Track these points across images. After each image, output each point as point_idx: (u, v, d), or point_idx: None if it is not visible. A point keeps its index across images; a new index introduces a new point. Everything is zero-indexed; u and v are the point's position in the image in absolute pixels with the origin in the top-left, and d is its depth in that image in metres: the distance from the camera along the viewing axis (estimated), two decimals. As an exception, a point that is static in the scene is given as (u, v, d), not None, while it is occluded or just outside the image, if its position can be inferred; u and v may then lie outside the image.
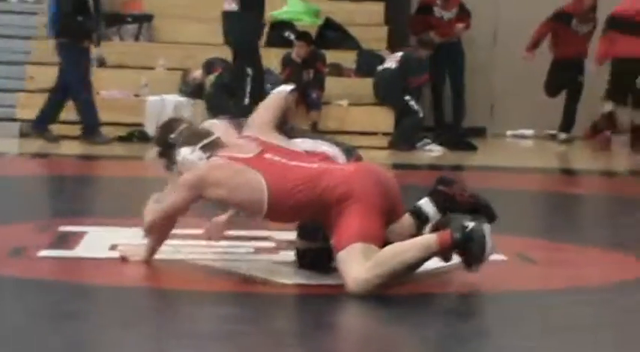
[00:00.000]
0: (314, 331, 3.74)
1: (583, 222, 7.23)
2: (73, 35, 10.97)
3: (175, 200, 4.42)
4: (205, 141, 4.51)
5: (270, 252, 4.99)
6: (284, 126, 4.79)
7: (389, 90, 11.88)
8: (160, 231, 4.58)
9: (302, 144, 4.68)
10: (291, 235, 4.89)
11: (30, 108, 11.98)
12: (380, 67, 12.20)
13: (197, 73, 12.36)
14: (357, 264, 4.06)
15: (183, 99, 12.21)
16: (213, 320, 3.84)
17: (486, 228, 4.07)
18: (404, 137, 11.70)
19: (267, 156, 4.38)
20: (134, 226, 5.61)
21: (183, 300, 4.15)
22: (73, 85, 11.11)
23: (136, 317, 3.80)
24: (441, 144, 11.78)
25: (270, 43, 13.22)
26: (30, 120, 11.84)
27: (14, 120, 11.93)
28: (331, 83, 12.47)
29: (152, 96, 12.19)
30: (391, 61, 12.13)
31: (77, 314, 3.81)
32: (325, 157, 4.57)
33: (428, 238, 4.10)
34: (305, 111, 12.29)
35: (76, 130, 11.39)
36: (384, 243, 4.18)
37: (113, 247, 4.96)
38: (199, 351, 3.40)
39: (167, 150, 4.64)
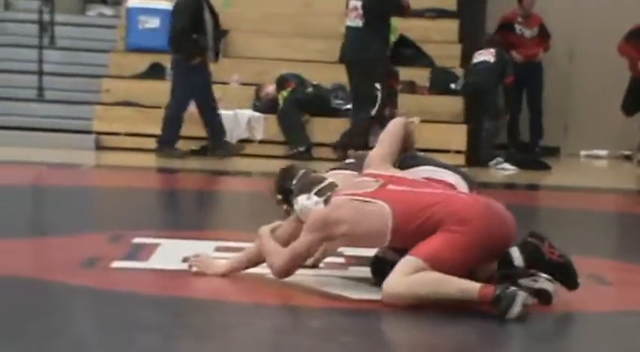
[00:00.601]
0: (383, 348, 3.73)
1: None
2: (185, 52, 11.04)
3: (301, 245, 4.42)
4: (319, 186, 4.57)
5: (340, 268, 4.98)
6: (405, 153, 4.79)
7: (486, 84, 11.66)
8: (257, 262, 4.60)
9: (421, 172, 4.70)
10: (361, 251, 4.89)
11: (106, 120, 12.14)
12: (475, 61, 12.00)
13: (270, 89, 12.42)
14: (403, 275, 4.11)
15: (256, 114, 12.27)
16: (284, 333, 3.85)
17: (521, 297, 4.02)
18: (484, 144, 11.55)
19: (391, 187, 4.42)
20: (206, 239, 5.66)
21: (256, 314, 4.16)
22: (176, 98, 11.18)
23: (208, 329, 3.82)
24: (514, 163, 11.69)
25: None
26: (105, 133, 12.01)
27: (90, 132, 12.09)
28: (404, 100, 12.45)
29: (226, 110, 12.26)
30: (487, 55, 11.95)
31: (150, 325, 3.84)
32: (448, 185, 4.57)
33: (473, 286, 4.09)
34: (378, 128, 12.29)
35: (150, 143, 11.51)
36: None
37: (185, 259, 5.00)
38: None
39: (288, 197, 4.70)
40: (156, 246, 5.33)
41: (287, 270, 4.47)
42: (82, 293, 4.35)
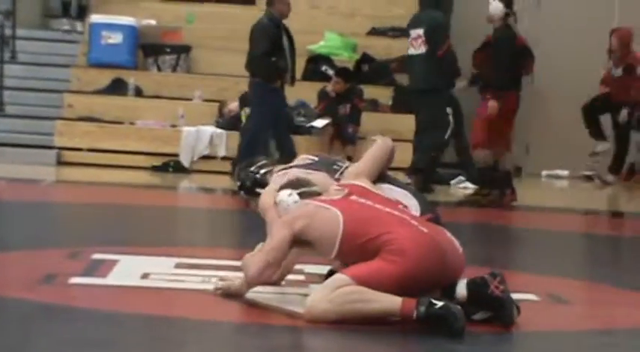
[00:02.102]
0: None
1: (617, 263, 7.16)
2: (265, 75, 10.97)
3: (273, 242, 4.40)
4: (305, 190, 4.64)
5: (301, 285, 4.97)
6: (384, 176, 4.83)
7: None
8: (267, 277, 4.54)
9: (392, 191, 4.73)
10: (323, 269, 4.88)
11: (67, 136, 12.09)
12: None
13: (233, 105, 12.43)
14: (328, 292, 4.12)
15: (219, 130, 12.27)
16: (240, 351, 3.83)
17: (455, 312, 3.99)
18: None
19: (353, 197, 4.44)
20: (165, 255, 5.63)
21: (212, 331, 4.15)
22: (252, 120, 11.09)
23: (163, 346, 3.79)
24: (474, 181, 11.74)
25: (307, 77, 13.30)
26: (67, 148, 11.94)
27: (52, 147, 12.03)
28: (367, 118, 12.50)
29: (188, 127, 12.26)
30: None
31: (104, 342, 3.81)
32: (401, 206, 4.56)
33: (395, 301, 4.08)
34: (341, 146, 12.33)
35: (111, 159, 11.45)
36: None
37: (145, 276, 4.97)
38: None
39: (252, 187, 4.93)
40: (115, 262, 5.30)
41: (264, 276, 4.40)
42: (38, 309, 4.31)
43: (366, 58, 13.41)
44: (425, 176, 10.77)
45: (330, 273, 4.63)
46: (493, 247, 7.26)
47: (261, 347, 3.85)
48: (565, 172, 13.81)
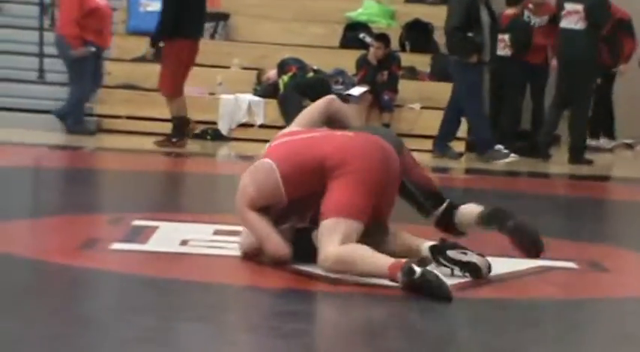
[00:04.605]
0: (377, 329, 3.74)
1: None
2: (461, 51, 10.90)
3: (249, 225, 4.55)
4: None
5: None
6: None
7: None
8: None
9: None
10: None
11: (107, 103, 12.15)
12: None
13: (271, 73, 12.42)
14: (335, 242, 4.19)
15: (257, 98, 12.27)
16: (279, 316, 3.86)
17: (432, 277, 4.02)
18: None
19: (275, 142, 4.56)
20: (204, 222, 5.67)
21: (250, 296, 4.18)
22: (461, 100, 11.08)
23: (206, 311, 3.83)
24: (515, 151, 11.66)
25: (345, 45, 13.25)
26: (107, 116, 12.01)
27: (92, 115, 12.10)
28: (405, 86, 12.46)
29: (226, 94, 12.27)
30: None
31: (147, 307, 3.85)
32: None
33: (385, 263, 4.13)
34: (378, 113, 12.31)
35: (151, 126, 11.51)
36: (371, 221, 4.31)
37: (184, 242, 5.01)
38: (262, 348, 3.42)
39: None
40: (155, 228, 5.35)
41: (270, 250, 4.46)
42: (81, 273, 4.36)
43: (417, 25, 13.29)
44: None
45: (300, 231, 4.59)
46: (534, 215, 7.25)
47: (298, 313, 3.87)
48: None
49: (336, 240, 4.21)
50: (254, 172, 4.51)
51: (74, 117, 11.54)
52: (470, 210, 4.60)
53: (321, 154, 4.34)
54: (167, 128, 10.86)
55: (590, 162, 11.29)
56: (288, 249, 4.46)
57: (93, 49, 11.64)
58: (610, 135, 13.51)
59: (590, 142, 12.53)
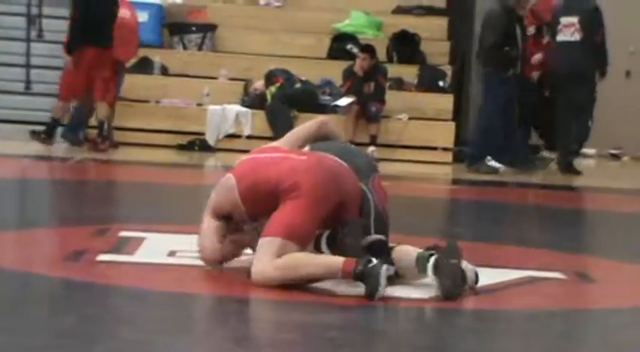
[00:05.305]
0: (367, 338, 3.73)
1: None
2: (497, 65, 11.01)
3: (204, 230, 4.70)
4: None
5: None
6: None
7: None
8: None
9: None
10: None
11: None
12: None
13: (258, 84, 12.43)
14: (269, 258, 4.24)
15: (244, 109, 12.28)
16: (266, 327, 3.84)
17: (384, 269, 4.07)
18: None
19: (251, 156, 4.64)
20: (191, 233, 5.65)
21: (237, 307, 4.17)
22: (486, 111, 11.17)
23: (190, 323, 3.81)
24: (502, 161, 11.63)
25: (332, 56, 13.27)
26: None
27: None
28: (392, 97, 12.48)
29: (213, 105, 12.27)
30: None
31: (131, 319, 3.83)
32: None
33: (336, 261, 4.18)
34: (365, 124, 12.32)
35: (136, 137, 11.48)
36: (314, 239, 4.36)
37: (171, 253, 4.99)
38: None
39: None
40: (142, 239, 5.33)
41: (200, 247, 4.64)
42: (66, 285, 4.34)
43: (404, 36, 13.31)
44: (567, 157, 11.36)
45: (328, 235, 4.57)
46: (520, 225, 7.25)
47: (290, 324, 3.86)
48: (592, 151, 13.74)
49: (269, 254, 4.27)
50: (219, 186, 4.62)
51: (78, 127, 11.52)
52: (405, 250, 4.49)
53: (276, 177, 4.39)
54: (154, 139, 10.82)
55: (578, 173, 11.30)
56: (217, 255, 4.58)
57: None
58: (550, 147, 13.42)
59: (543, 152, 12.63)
